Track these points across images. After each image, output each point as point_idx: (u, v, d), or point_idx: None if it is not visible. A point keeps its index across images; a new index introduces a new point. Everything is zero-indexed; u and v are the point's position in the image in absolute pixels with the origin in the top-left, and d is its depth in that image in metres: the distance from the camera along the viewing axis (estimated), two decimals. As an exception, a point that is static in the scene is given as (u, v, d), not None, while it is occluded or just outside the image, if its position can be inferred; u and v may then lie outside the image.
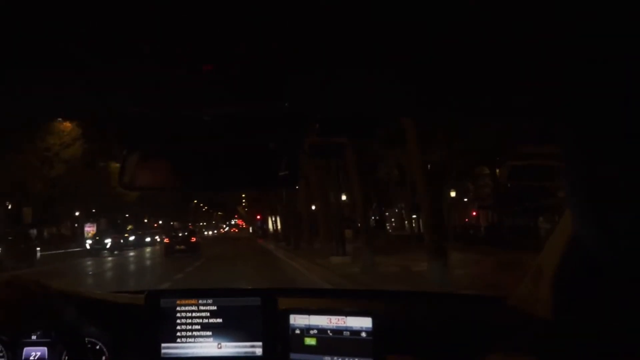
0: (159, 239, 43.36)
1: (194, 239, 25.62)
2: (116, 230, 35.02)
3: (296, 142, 1.08)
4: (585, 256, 0.94)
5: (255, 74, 0.72)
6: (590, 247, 0.64)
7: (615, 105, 0.57)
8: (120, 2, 0.52)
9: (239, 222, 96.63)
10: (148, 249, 34.65)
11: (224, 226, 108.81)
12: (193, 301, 1.54)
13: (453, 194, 23.99)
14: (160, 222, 64.21)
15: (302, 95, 0.82)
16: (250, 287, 1.59)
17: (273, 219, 48.63)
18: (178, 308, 1.53)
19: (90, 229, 37.86)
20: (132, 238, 35.34)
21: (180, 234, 26.59)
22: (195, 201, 69.55)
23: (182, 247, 24.18)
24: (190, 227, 36.92)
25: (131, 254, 28.52)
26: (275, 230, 46.20)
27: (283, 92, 0.80)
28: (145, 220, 54.80)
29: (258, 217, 59.73)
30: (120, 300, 1.75)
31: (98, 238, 29.83)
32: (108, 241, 28.84)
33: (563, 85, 0.67)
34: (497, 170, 23.88)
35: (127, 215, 47.33)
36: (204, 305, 1.53)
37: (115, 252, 28.16)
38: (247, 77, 0.73)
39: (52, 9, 0.53)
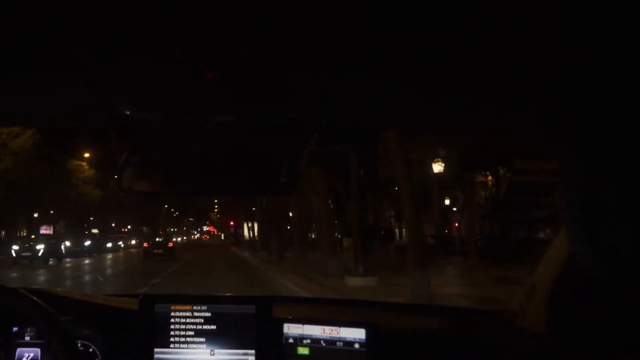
0: (123, 245, 41.30)
1: (170, 244, 28.97)
2: (76, 235, 32.83)
3: (297, 149, 1.09)
4: (581, 273, 0.95)
5: (257, 79, 0.73)
6: (586, 264, 0.64)
7: (614, 122, 0.57)
8: (121, 3, 0.53)
9: (210, 228, 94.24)
10: (109, 256, 31.43)
11: (196, 232, 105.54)
12: (187, 307, 1.53)
13: (447, 202, 23.15)
14: (130, 226, 60.97)
15: (304, 101, 0.83)
16: (245, 295, 1.59)
17: (249, 224, 45.51)
18: (172, 313, 1.53)
19: (46, 232, 35.06)
20: (87, 243, 31.72)
21: (157, 239, 29.66)
22: (166, 206, 64.72)
23: (160, 251, 27.04)
24: (162, 232, 37.97)
25: (86, 261, 24.44)
26: (252, 237, 43.64)
27: (285, 98, 0.80)
28: (113, 225, 51.41)
29: (231, 223, 55.72)
30: (114, 304, 1.74)
31: (29, 244, 23.21)
32: (41, 247, 23.00)
33: (562, 101, 0.68)
34: (490, 178, 23.36)
35: (91, 219, 44.77)
36: (198, 311, 1.53)
37: (51, 262, 23.03)
38: (249, 82, 0.74)
39: (54, 8, 0.53)
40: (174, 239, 33.28)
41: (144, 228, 61.01)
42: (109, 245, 37.07)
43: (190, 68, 0.69)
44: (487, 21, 0.54)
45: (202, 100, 0.86)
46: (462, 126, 1.01)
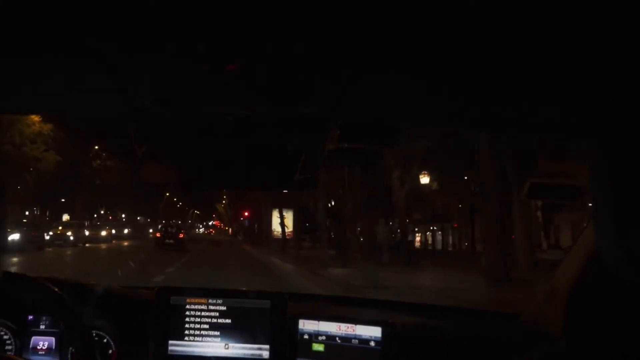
0: (107, 235, 32.02)
1: (181, 235, 29.15)
2: (35, 221, 26.32)
3: (317, 146, 1.08)
4: (603, 275, 0.93)
5: (279, 75, 0.72)
6: (613, 264, 0.63)
7: None
8: None
9: (216, 223, 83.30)
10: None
11: (201, 226, 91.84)
12: (203, 300, 1.53)
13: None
14: (124, 215, 51.78)
15: (324, 98, 0.82)
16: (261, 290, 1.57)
17: (280, 216, 31.48)
18: (187, 306, 1.53)
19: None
20: (16, 237, 18.09)
21: (169, 230, 29.75)
22: (168, 194, 55.14)
23: (171, 241, 27.51)
24: (164, 224, 33.22)
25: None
26: (287, 233, 30.96)
27: (306, 95, 0.80)
28: (102, 212, 43.62)
29: (245, 214, 42.85)
30: (130, 295, 1.75)
31: None
32: None
33: (591, 99, 0.67)
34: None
35: (62, 200, 35.73)
36: (213, 305, 1.53)
37: None
38: (269, 77, 0.73)
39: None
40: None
41: (139, 218, 55.82)
42: (48, 237, 23.95)
43: (212, 62, 0.68)
44: (513, 18, 0.53)
45: (222, 94, 0.85)
46: (485, 124, 0.99)
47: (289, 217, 31.86)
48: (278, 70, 0.69)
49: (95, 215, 42.28)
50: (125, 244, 32.44)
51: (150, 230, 38.52)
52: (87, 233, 29.85)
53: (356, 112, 0.92)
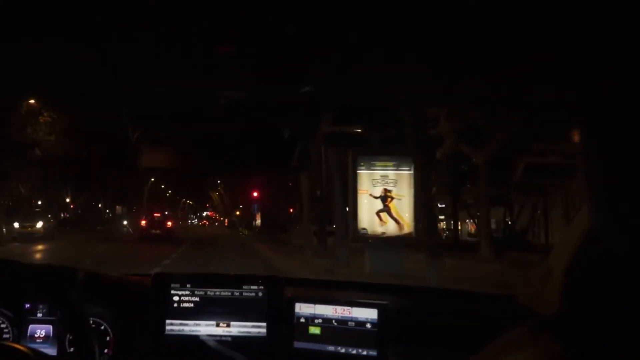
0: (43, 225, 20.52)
1: (169, 224, 26.25)
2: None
3: (309, 129, 1.07)
4: (600, 252, 0.93)
5: (273, 56, 0.71)
6: (608, 243, 0.63)
7: (636, 97, 0.56)
8: None
9: (210, 213, 73.08)
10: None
11: (194, 217, 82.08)
12: (200, 285, 1.53)
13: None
14: (101, 204, 41.14)
15: (320, 80, 0.81)
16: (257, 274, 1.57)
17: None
18: (185, 292, 1.53)
19: None
20: None
21: (156, 217, 26.67)
22: (153, 179, 43.53)
23: (158, 231, 24.66)
24: (146, 214, 28.44)
25: None
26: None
27: (302, 76, 0.79)
28: (68, 200, 32.90)
29: (254, 194, 30.56)
30: (127, 282, 1.75)
31: None
32: None
33: (582, 77, 0.66)
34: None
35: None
36: (211, 290, 1.53)
37: None
38: (264, 58, 0.72)
39: None
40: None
41: (117, 207, 46.78)
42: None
43: (206, 43, 0.67)
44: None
45: (218, 78, 0.84)
46: (478, 102, 0.99)
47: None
48: (272, 51, 0.68)
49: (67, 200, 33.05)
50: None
51: (125, 222, 32.98)
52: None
53: (352, 92, 0.91)
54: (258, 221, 36.34)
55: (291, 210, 28.93)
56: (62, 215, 31.80)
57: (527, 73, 0.72)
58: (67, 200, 33.47)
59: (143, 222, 26.53)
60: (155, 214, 27.21)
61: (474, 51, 0.66)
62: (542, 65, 0.68)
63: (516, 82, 0.76)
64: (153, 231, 24.77)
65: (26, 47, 0.68)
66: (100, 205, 41.99)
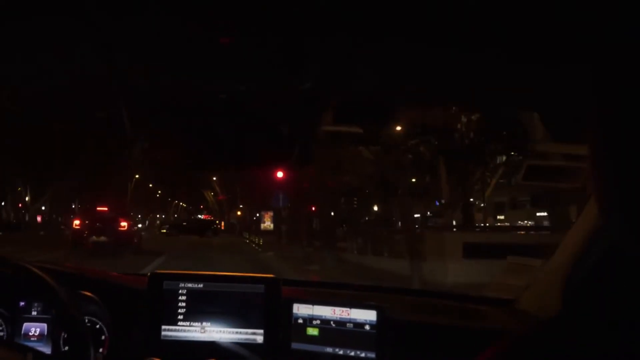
0: None
1: (123, 227, 15.34)
2: None
3: (311, 123, 1.07)
4: (610, 250, 0.92)
5: (273, 48, 0.70)
6: (617, 236, 0.62)
7: None
8: None
9: (205, 217, 59.47)
10: None
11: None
12: (196, 285, 1.52)
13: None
14: (77, 205, 32.00)
15: (321, 75, 0.80)
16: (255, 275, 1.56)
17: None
18: (181, 291, 1.51)
19: None
20: None
21: (100, 216, 15.67)
22: (137, 176, 35.84)
23: (102, 238, 14.71)
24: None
25: None
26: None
27: (302, 70, 0.78)
28: (28, 199, 28.04)
29: (280, 174, 14.57)
30: (123, 281, 1.73)
31: None
32: None
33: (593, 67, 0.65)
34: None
35: None
36: (207, 289, 1.51)
37: None
38: (265, 49, 0.72)
39: None
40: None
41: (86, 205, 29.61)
42: None
43: (206, 35, 0.66)
44: None
45: (216, 69, 0.83)
46: (483, 95, 0.98)
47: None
48: (272, 43, 0.67)
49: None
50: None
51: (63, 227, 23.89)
52: None
53: (353, 87, 0.90)
54: (268, 223, 25.43)
55: (313, 208, 19.65)
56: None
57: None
58: (27, 198, 27.81)
59: (76, 223, 15.88)
60: (98, 209, 16.44)
61: (480, 39, 0.65)
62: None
63: (519, 69, 0.75)
64: (94, 238, 14.80)
65: (18, 26, 0.67)
66: (73, 207, 34.27)
